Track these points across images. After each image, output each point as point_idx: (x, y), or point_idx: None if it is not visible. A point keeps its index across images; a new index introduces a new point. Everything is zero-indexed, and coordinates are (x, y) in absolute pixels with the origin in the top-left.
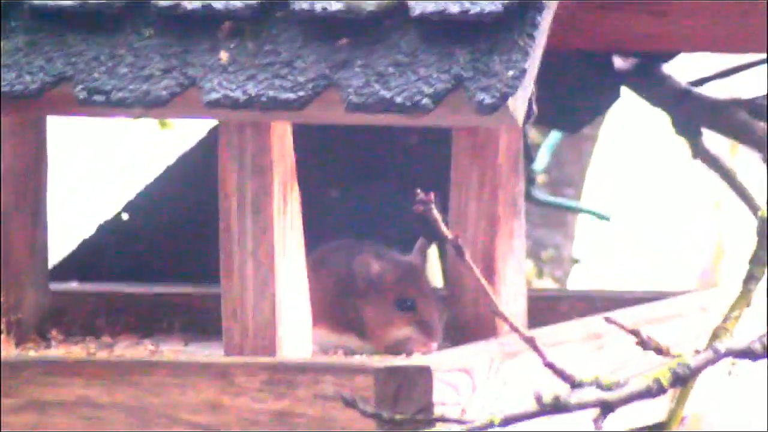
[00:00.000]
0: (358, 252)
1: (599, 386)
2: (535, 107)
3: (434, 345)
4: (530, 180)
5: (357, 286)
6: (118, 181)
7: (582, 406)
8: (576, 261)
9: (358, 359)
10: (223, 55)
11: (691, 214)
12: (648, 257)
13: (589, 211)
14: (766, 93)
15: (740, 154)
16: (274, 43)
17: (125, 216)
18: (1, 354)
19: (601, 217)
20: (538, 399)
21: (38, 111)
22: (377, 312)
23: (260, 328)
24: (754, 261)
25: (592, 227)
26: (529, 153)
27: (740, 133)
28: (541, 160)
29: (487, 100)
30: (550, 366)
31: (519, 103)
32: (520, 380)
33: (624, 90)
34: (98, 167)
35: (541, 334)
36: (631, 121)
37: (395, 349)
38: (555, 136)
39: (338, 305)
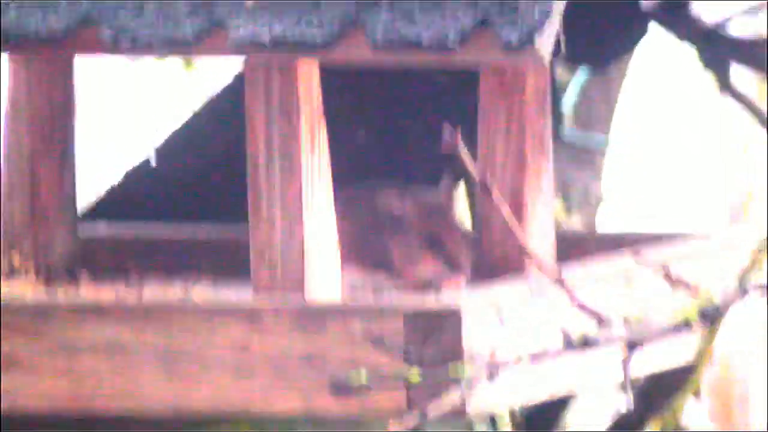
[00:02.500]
0: (385, 191)
1: (627, 324)
2: (562, 45)
3: (462, 281)
4: (558, 118)
5: (383, 224)
6: (146, 125)
7: (610, 343)
8: (602, 199)
9: (386, 301)
10: None
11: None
12: (677, 196)
13: (596, 145)
14: None
15: None
16: None
17: (154, 160)
18: (31, 297)
19: (604, 149)
20: (566, 337)
21: (64, 54)
22: (404, 249)
23: (289, 270)
24: None
25: (619, 166)
26: (557, 91)
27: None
28: (569, 98)
29: (514, 38)
30: (579, 305)
31: (545, 41)
32: (549, 319)
33: (651, 28)
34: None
35: (569, 273)
36: (658, 58)
37: (424, 287)
38: (583, 74)
39: (366, 244)
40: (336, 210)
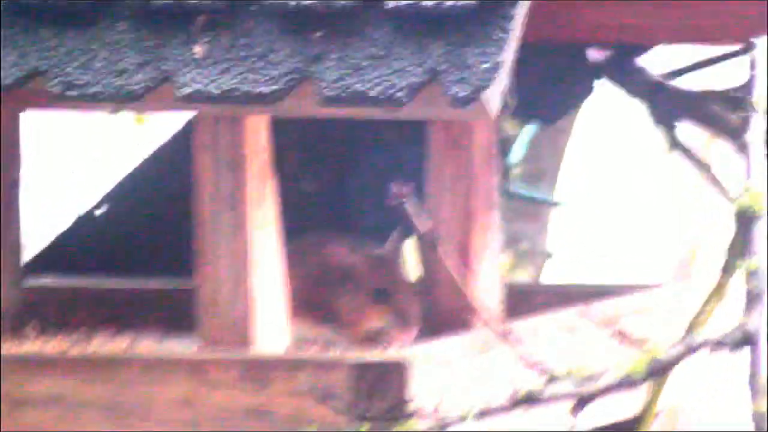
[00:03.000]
0: (334, 243)
1: (574, 379)
2: (510, 99)
3: (410, 336)
4: (505, 173)
5: (332, 278)
6: (93, 175)
7: (555, 399)
8: (549, 255)
9: (332, 354)
10: (197, 49)
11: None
12: (623, 250)
13: (543, 200)
14: (741, 84)
15: (716, 146)
16: (248, 37)
17: (100, 210)
18: None
19: (551, 203)
20: (513, 392)
21: (12, 106)
22: (352, 303)
23: (235, 323)
24: (730, 253)
25: (566, 220)
26: (504, 146)
27: (715, 125)
28: (516, 153)
29: (462, 93)
30: (525, 359)
31: (493, 96)
32: (495, 374)
33: (599, 82)
34: (72, 161)
35: (516, 326)
36: (606, 113)
37: (371, 340)
38: (530, 128)
39: (314, 297)
40: (285, 262)
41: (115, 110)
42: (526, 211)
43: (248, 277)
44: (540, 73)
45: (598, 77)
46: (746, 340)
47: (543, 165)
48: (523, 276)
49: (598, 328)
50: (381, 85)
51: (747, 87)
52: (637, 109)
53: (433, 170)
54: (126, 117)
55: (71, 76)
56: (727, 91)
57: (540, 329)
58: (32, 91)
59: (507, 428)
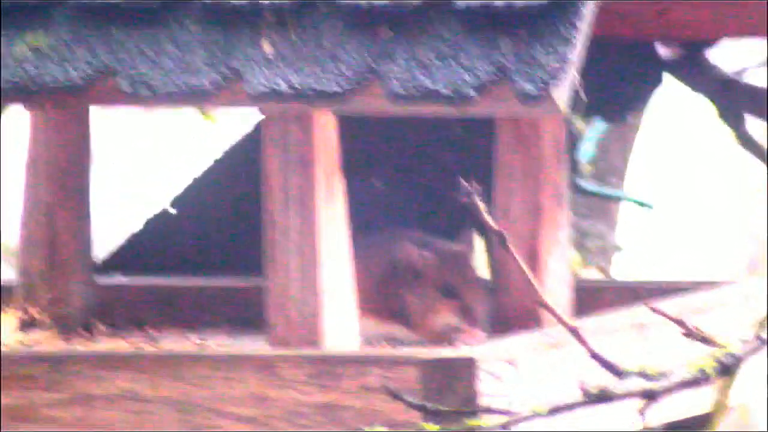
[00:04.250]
0: (403, 241)
1: (644, 376)
2: (583, 95)
3: (479, 333)
4: (574, 169)
5: (401, 275)
6: (165, 175)
7: (627, 396)
8: (619, 251)
9: (403, 351)
10: (267, 47)
11: (737, 202)
12: (693, 246)
13: (632, 200)
14: None
15: None
16: (316, 35)
17: (172, 210)
18: (44, 347)
19: (643, 204)
20: (584, 389)
21: (83, 104)
22: (421, 300)
23: (305, 321)
24: None
25: (636, 216)
26: (574, 142)
27: None
28: (586, 149)
29: (531, 89)
30: (595, 356)
31: (562, 93)
32: (565, 370)
33: (667, 78)
34: (145, 161)
35: (585, 324)
36: (674, 109)
37: (440, 337)
38: (599, 125)
39: (383, 295)
40: (354, 260)
41: (182, 105)
42: (595, 207)
43: (317, 275)
44: (609, 69)
45: (666, 74)
46: None
47: (612, 161)
48: (593, 273)
49: (667, 325)
50: (450, 82)
51: None
52: (705, 106)
53: (502, 167)
54: (196, 116)
55: (142, 75)
56: None
57: (609, 326)
58: (103, 89)
59: (576, 426)
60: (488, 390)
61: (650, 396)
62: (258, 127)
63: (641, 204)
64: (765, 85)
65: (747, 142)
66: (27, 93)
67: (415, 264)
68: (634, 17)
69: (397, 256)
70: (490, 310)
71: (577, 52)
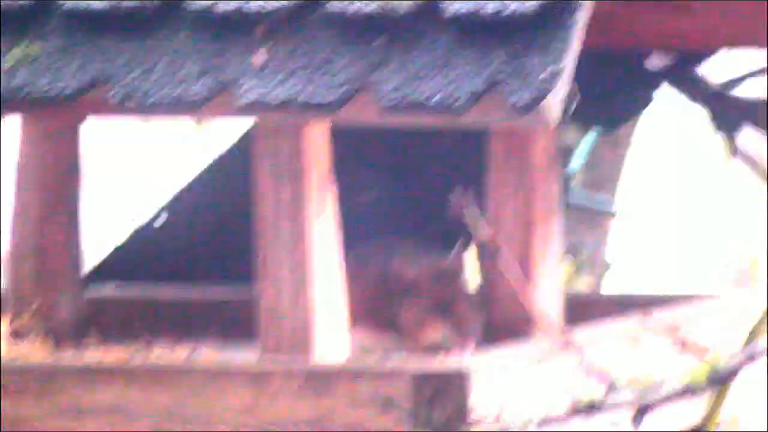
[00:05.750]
0: (395, 253)
1: (635, 388)
2: (572, 106)
3: (470, 347)
4: (565, 182)
5: (394, 287)
6: (152, 184)
7: (618, 408)
8: (610, 264)
9: (394, 363)
10: (258, 58)
11: (727, 214)
12: (683, 258)
13: (603, 209)
14: None
15: None
16: (308, 45)
17: (161, 220)
18: (38, 359)
19: (611, 212)
20: (574, 402)
21: (73, 115)
22: (413, 315)
23: (296, 332)
24: None
25: (627, 229)
26: (565, 154)
27: None
28: (577, 161)
29: (522, 101)
30: (586, 367)
31: (553, 104)
32: (556, 382)
33: (659, 90)
34: (133, 171)
35: (577, 335)
36: (666, 121)
37: (432, 350)
38: (590, 136)
39: (375, 307)
40: (346, 271)
41: (173, 115)
42: (587, 220)
43: (308, 287)
44: (600, 80)
45: (659, 85)
46: None
47: (603, 173)
48: (584, 285)
49: (658, 337)
50: (441, 93)
51: None
52: (698, 117)
53: (494, 179)
54: (185, 126)
55: (131, 86)
56: None
57: (600, 339)
58: (93, 99)
59: None
60: (480, 402)
61: (641, 407)
62: (246, 136)
63: (607, 212)
64: (763, 95)
65: (740, 153)
66: (17, 103)
67: (407, 276)
68: (626, 27)
69: (389, 268)
70: (482, 322)
71: (569, 63)
